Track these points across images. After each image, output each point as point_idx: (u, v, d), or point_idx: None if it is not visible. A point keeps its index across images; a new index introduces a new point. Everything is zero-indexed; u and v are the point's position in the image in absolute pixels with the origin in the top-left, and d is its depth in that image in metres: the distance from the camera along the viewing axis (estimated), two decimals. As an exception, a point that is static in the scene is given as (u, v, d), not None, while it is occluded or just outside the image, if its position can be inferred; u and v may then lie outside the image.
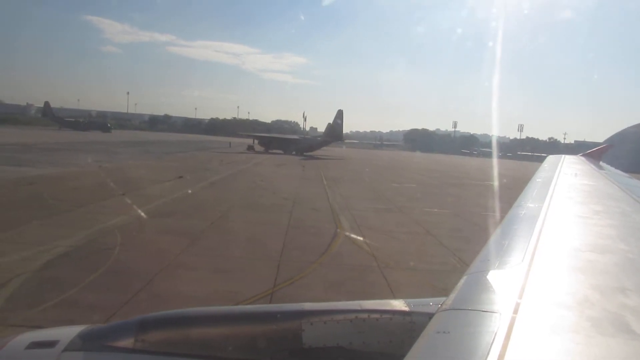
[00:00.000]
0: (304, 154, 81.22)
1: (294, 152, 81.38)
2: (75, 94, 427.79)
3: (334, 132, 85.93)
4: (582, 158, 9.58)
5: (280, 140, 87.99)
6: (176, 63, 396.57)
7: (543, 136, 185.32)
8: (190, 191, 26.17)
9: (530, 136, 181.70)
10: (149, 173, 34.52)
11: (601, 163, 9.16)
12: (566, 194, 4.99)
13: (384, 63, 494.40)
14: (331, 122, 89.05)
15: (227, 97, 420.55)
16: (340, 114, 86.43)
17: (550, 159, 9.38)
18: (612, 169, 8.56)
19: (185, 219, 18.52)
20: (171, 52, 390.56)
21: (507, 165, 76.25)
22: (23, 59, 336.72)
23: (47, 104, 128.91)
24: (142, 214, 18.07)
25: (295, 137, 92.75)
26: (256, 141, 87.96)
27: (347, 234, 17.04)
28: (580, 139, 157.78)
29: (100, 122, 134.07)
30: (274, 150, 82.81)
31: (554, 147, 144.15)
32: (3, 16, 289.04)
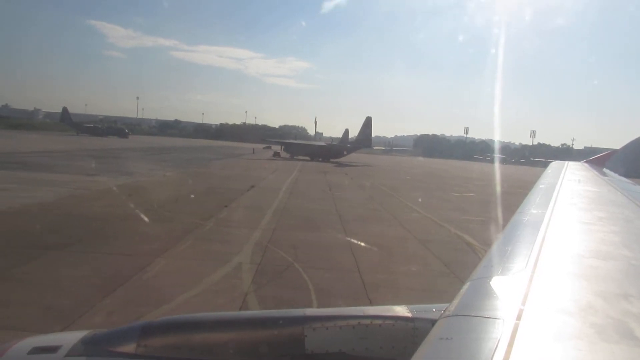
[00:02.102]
0: (330, 160, 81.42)
1: (320, 159, 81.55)
2: (80, 98, 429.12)
3: (363, 139, 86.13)
4: (586, 164, 9.57)
5: (308, 147, 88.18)
6: (180, 68, 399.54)
7: (555, 142, 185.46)
8: (285, 202, 26.17)
9: (542, 142, 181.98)
10: (221, 182, 34.92)
11: (604, 169, 9.10)
12: (569, 200, 4.96)
13: (388, 67, 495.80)
14: (347, 127, 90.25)
15: (230, 102, 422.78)
16: (368, 122, 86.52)
17: (554, 165, 9.34)
18: (616, 175, 8.53)
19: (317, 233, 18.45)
20: (175, 56, 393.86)
21: (536, 172, 76.30)
22: (28, 63, 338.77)
23: (65, 109, 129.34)
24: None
25: (322, 144, 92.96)
26: (278, 147, 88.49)
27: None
28: (592, 145, 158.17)
29: (117, 127, 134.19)
30: (300, 157, 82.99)
31: (567, 153, 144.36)
32: (8, 21, 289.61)
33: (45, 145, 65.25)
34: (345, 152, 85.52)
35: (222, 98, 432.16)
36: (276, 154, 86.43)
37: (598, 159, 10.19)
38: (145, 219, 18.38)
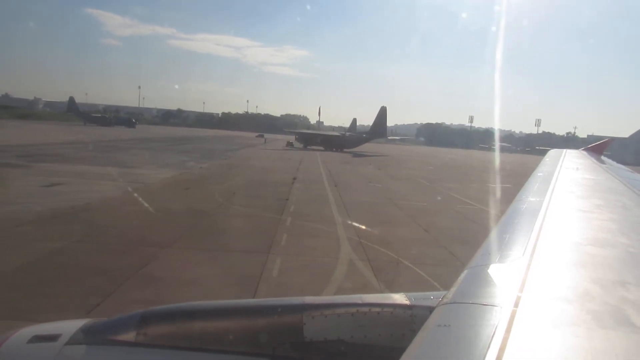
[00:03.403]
0: (344, 150, 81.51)
1: (334, 149, 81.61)
2: (79, 87, 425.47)
3: (378, 129, 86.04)
4: (584, 152, 9.51)
5: (323, 137, 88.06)
6: (178, 56, 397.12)
7: (560, 131, 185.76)
8: (339, 195, 26.27)
9: (546, 131, 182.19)
10: (261, 175, 35.16)
11: (602, 157, 9.09)
12: (567, 188, 4.94)
13: (387, 56, 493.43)
14: (355, 117, 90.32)
15: (229, 91, 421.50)
16: (383, 112, 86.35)
17: (552, 153, 9.25)
18: (614, 163, 8.48)
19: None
20: (172, 45, 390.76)
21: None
22: (27, 53, 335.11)
23: (71, 99, 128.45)
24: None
25: (337, 134, 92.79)
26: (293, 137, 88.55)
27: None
28: (594, 133, 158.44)
29: (124, 117, 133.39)
30: (313, 147, 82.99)
31: (572, 141, 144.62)
32: (6, 11, 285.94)
33: (63, 137, 65.13)
34: (359, 143, 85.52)
35: (221, 87, 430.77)
36: (289, 144, 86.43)
37: (596, 147, 10.17)
38: (226, 214, 18.50)
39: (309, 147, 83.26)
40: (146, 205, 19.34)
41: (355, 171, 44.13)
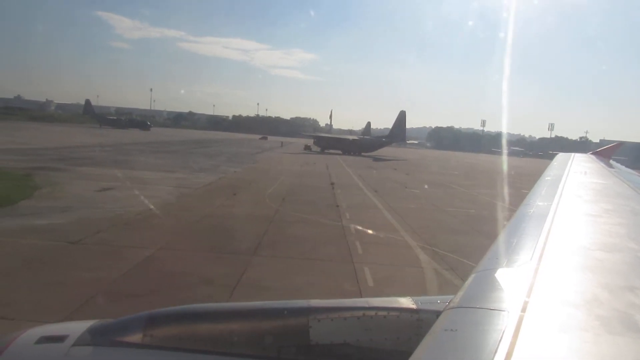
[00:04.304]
0: (362, 154, 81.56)
1: (352, 153, 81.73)
2: (89, 89, 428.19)
3: (397, 133, 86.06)
4: (592, 156, 9.46)
5: (341, 140, 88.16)
6: (187, 59, 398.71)
7: (573, 135, 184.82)
8: (385, 202, 26.23)
9: (559, 135, 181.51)
10: (297, 179, 35.43)
11: (611, 161, 8.98)
12: (575, 192, 4.91)
13: (396, 60, 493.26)
14: (369, 120, 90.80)
15: (237, 93, 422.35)
16: (402, 116, 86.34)
17: (560, 157, 9.23)
18: (622, 167, 8.41)
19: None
20: (182, 48, 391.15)
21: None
22: (38, 55, 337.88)
23: (88, 101, 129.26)
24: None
25: (355, 137, 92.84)
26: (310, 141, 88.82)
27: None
28: (605, 137, 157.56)
29: (139, 120, 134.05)
30: (331, 151, 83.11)
31: (585, 146, 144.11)
32: (17, 14, 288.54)
33: (85, 139, 65.69)
34: (377, 146, 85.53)
35: (230, 89, 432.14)
36: (307, 148, 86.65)
37: (605, 151, 10.08)
38: (288, 220, 18.51)
39: (326, 150, 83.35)
40: (207, 210, 19.38)
41: (384, 176, 44.06)
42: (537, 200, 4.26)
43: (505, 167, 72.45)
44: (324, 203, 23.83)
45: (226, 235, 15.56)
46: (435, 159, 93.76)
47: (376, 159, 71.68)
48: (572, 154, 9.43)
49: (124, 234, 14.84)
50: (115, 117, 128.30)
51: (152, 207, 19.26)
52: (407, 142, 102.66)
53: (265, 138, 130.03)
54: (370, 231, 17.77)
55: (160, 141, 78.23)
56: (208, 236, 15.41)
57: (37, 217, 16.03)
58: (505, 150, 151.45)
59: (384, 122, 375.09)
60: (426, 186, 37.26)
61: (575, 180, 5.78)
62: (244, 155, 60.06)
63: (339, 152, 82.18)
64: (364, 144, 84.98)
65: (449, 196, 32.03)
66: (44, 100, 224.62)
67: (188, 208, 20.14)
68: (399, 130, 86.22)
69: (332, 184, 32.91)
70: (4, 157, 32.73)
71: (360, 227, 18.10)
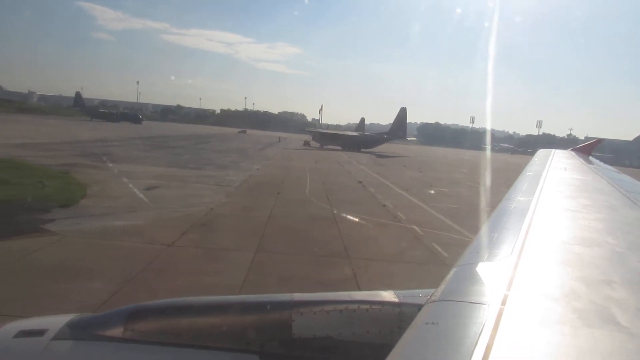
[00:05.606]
0: (362, 150, 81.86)
1: (352, 149, 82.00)
2: (71, 81, 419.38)
3: (397, 130, 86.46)
4: (572, 152, 9.63)
5: (342, 137, 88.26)
6: (170, 51, 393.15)
7: (560, 133, 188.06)
8: (425, 201, 26.36)
9: (547, 132, 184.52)
10: (324, 177, 35.33)
11: (590, 157, 9.18)
12: (555, 188, 4.98)
13: (382, 55, 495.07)
14: (363, 117, 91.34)
15: (221, 87, 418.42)
16: (403, 113, 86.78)
17: (541, 153, 9.33)
18: (601, 163, 8.54)
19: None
20: (165, 40, 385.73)
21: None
22: (19, 46, 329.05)
23: (78, 94, 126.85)
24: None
25: (355, 134, 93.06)
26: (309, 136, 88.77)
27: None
28: (595, 135, 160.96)
29: (131, 113, 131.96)
30: (330, 146, 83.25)
31: (573, 142, 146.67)
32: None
33: (89, 133, 64.86)
34: (377, 143, 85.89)
35: (214, 83, 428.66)
36: (306, 143, 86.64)
37: (585, 147, 10.30)
38: (351, 222, 18.54)
39: (325, 146, 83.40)
40: (266, 211, 19.22)
41: (401, 174, 44.25)
42: (518, 195, 4.31)
43: (506, 164, 73.34)
44: (370, 203, 23.91)
45: (307, 237, 15.48)
46: (434, 155, 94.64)
47: (379, 156, 72.00)
48: (553, 150, 9.60)
49: (209, 235, 14.73)
50: (106, 111, 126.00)
51: (212, 207, 19.11)
52: (408, 138, 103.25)
53: (245, 132, 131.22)
54: (435, 232, 17.90)
55: (162, 135, 77.37)
56: (290, 238, 15.31)
57: (112, 218, 15.77)
58: (495, 147, 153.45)
59: (371, 117, 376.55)
60: (448, 185, 37.61)
61: (556, 176, 5.86)
62: (251, 152, 59.84)
63: (339, 148, 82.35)
64: (364, 141, 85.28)
65: (479, 195, 32.10)
66: (26, 91, 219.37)
67: (247, 208, 19.95)
68: (400, 127, 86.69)
69: (360, 182, 33.03)
70: (26, 153, 31.96)
71: (425, 229, 18.24)
